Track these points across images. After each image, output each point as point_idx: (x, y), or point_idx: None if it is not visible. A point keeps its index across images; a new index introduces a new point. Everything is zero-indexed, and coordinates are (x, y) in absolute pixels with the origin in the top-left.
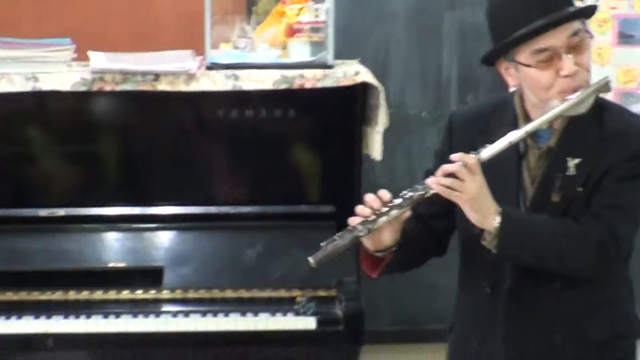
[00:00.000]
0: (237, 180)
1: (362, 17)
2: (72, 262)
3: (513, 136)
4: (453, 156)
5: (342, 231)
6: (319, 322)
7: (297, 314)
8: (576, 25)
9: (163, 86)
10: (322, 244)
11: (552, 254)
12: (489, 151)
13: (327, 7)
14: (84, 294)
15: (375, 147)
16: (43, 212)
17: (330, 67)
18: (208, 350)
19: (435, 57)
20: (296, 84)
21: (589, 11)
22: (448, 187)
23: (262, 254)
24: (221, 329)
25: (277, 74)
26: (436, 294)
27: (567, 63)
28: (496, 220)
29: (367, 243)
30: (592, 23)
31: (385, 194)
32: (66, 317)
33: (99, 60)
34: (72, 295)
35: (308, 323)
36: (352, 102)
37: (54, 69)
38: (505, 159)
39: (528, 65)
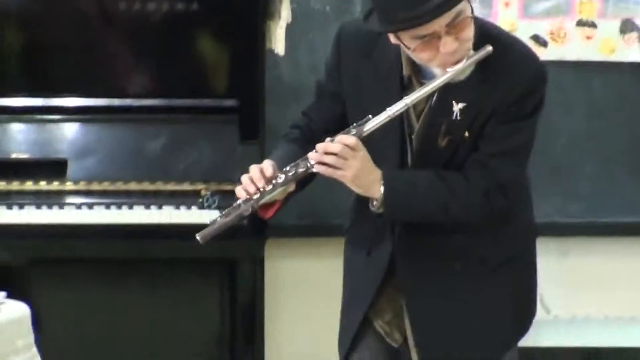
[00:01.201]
0: (141, 73)
1: None
2: None
3: (392, 110)
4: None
5: (227, 209)
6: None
7: (201, 207)
8: (457, 8)
9: None
10: (208, 221)
11: (438, 214)
12: (368, 127)
13: None
14: None
15: (278, 42)
16: None
17: None
18: (112, 242)
19: None
20: None
21: None
22: (330, 166)
23: (166, 147)
24: (125, 222)
25: None
26: (341, 189)
27: (448, 42)
28: (380, 190)
29: None
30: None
31: (267, 168)
32: None
33: None
34: None
35: (212, 217)
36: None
37: None
38: (389, 94)
39: (408, 46)
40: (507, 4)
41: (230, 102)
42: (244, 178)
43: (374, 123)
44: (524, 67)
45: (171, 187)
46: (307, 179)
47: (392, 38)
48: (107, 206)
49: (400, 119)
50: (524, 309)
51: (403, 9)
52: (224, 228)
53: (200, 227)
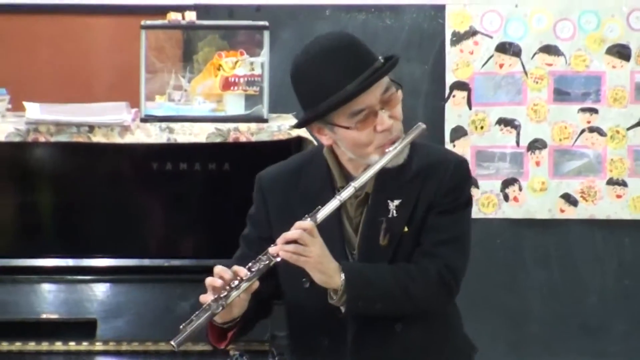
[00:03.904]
0: (171, 233)
1: None
2: (4, 313)
3: (343, 195)
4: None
5: (197, 311)
6: None
7: None
8: (385, 80)
9: (97, 138)
10: (181, 326)
11: (400, 297)
12: (322, 213)
13: (262, 60)
14: (17, 345)
15: None
16: None
17: (265, 120)
18: None
19: None
20: (231, 138)
21: (394, 64)
22: (293, 253)
23: (195, 307)
24: None
25: (211, 127)
26: None
27: (384, 118)
28: (341, 278)
29: (217, 317)
30: (528, 80)
31: (239, 268)
32: None
33: (34, 111)
34: (4, 346)
35: None
36: (286, 157)
37: None
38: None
39: (347, 127)
40: (537, 163)
41: None
42: (208, 279)
43: (326, 209)
44: (449, 158)
45: (200, 347)
46: (269, 305)
47: (325, 138)
48: None
49: (338, 225)
50: None
51: (336, 88)
52: (197, 331)
53: None
